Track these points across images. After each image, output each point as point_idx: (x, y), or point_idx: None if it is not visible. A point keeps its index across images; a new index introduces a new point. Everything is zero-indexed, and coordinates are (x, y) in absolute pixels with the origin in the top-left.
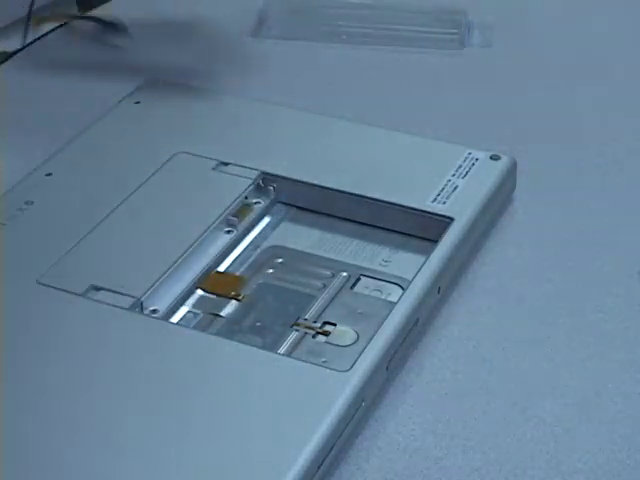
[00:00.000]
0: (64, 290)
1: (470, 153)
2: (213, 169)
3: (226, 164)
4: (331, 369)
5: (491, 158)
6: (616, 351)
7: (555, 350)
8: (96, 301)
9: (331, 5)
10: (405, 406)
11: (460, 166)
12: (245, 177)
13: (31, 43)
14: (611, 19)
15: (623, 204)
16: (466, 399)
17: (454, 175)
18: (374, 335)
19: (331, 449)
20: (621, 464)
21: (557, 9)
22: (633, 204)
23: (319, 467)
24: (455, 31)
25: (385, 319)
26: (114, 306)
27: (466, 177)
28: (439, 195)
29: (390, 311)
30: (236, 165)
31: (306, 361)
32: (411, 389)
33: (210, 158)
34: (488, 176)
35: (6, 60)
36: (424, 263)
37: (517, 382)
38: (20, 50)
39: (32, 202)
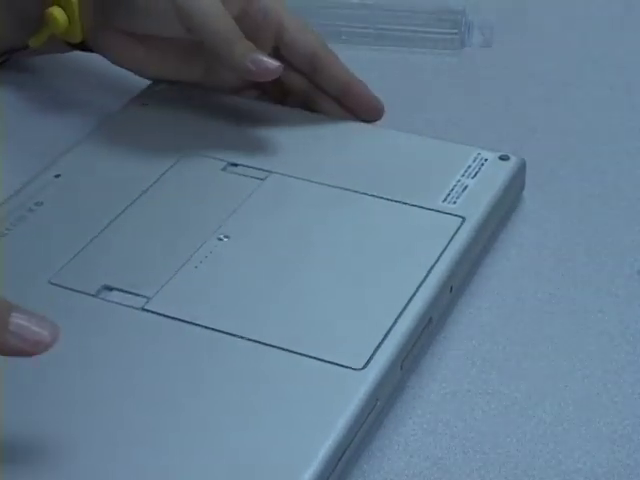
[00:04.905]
0: (76, 290)
1: (479, 153)
2: (222, 170)
3: (235, 165)
4: (345, 367)
5: (500, 158)
6: (616, 351)
7: (555, 350)
8: (108, 301)
9: (331, 5)
10: (405, 406)
11: (470, 166)
12: (255, 177)
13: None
14: (611, 18)
15: (623, 204)
16: (466, 399)
17: (464, 175)
18: (388, 333)
19: (346, 449)
20: (621, 464)
21: (557, 9)
22: (634, 204)
23: (333, 470)
24: (455, 31)
25: (399, 317)
26: (126, 306)
27: (476, 177)
28: (449, 195)
29: (404, 309)
30: (245, 166)
31: (320, 359)
32: (411, 389)
33: (219, 159)
34: (498, 176)
35: (8, 60)
36: (436, 262)
37: (517, 382)
38: (23, 49)
39: (42, 203)
